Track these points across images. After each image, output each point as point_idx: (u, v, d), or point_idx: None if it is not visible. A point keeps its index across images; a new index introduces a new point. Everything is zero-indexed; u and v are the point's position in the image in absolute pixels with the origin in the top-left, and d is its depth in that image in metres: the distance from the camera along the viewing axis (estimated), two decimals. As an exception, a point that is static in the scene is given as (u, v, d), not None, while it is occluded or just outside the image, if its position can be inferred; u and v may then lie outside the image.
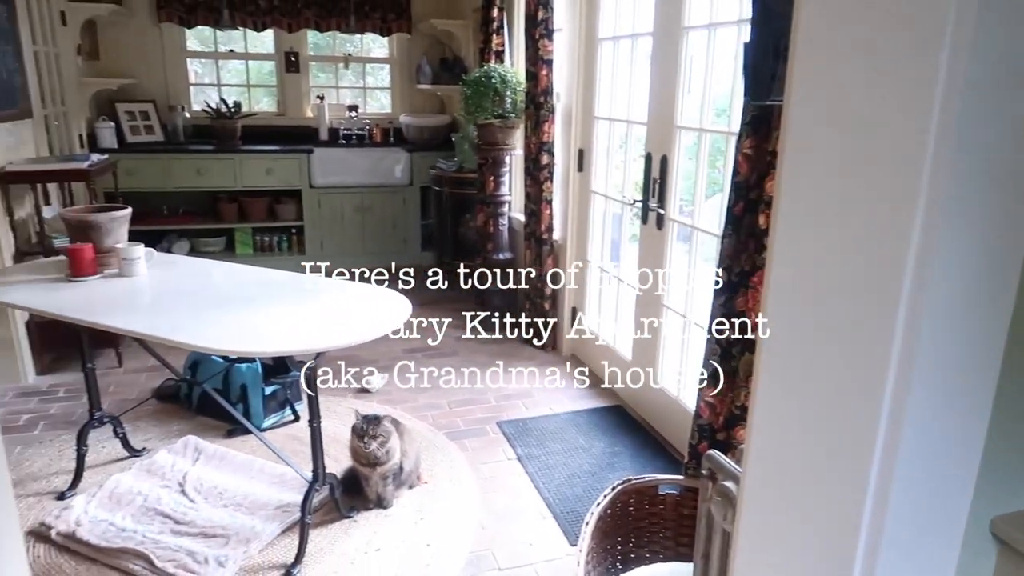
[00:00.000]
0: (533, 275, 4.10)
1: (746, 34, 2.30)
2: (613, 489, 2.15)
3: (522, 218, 4.22)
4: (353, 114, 5.90)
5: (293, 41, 5.81)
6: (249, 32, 5.70)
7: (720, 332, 2.06)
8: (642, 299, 3.23)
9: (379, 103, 6.36)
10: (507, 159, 4.37)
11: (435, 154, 5.56)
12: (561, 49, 3.81)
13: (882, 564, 0.80)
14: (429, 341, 4.30)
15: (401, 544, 2.39)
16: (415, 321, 4.58)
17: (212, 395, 2.62)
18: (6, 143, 3.57)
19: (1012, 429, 0.81)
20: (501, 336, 4.39)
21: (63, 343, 3.69)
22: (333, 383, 3.68)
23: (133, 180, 5.12)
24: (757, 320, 1.92)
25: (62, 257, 2.56)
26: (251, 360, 3.16)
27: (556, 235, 4.03)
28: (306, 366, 2.23)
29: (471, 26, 5.35)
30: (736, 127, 2.40)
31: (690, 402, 2.91)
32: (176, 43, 5.58)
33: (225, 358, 3.18)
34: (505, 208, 4.47)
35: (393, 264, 5.88)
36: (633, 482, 2.19)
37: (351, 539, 2.41)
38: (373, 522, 2.50)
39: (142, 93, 5.49)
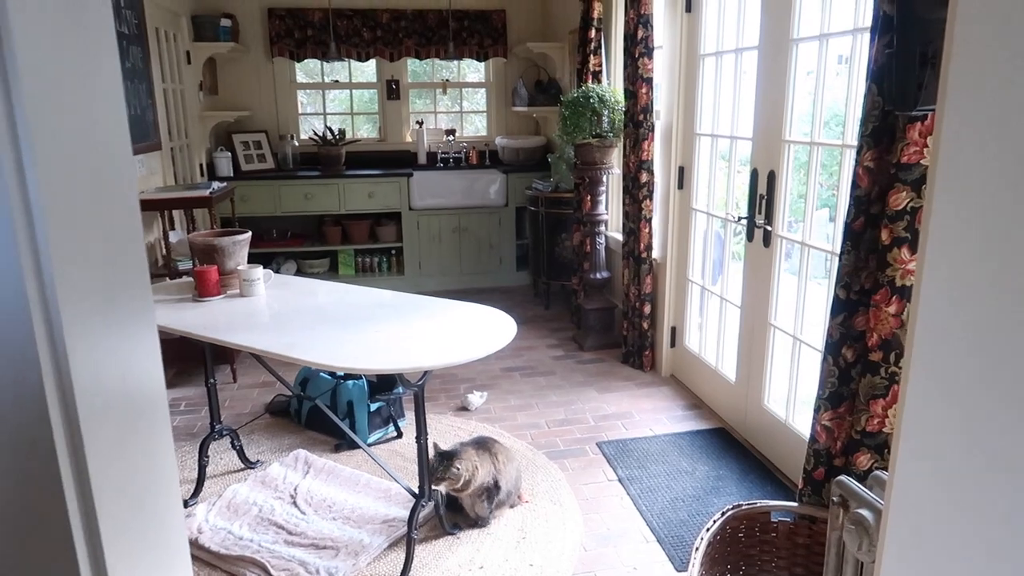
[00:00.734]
0: (631, 294, 4.05)
1: (864, 43, 2.21)
2: (723, 514, 2.07)
3: (619, 237, 4.19)
4: (450, 138, 6.05)
5: (394, 69, 6.04)
6: (353, 62, 5.97)
7: (838, 352, 1.96)
8: (747, 318, 3.13)
9: (475, 126, 6.50)
10: (604, 178, 4.35)
11: (530, 175, 5.61)
12: (661, 67, 3.78)
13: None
14: (526, 360, 4.31)
15: (504, 563, 2.39)
16: (512, 340, 4.62)
17: (324, 410, 2.72)
18: (139, 173, 3.86)
19: None
20: (599, 356, 4.35)
21: (184, 359, 3.92)
22: (433, 401, 3.75)
23: (246, 206, 5.43)
24: (878, 340, 1.82)
25: (187, 279, 2.74)
26: (357, 377, 3.26)
27: (655, 254, 3.98)
28: (414, 383, 2.28)
29: (567, 48, 5.39)
30: (851, 139, 2.31)
31: (801, 426, 2.79)
32: (286, 76, 5.91)
33: (333, 375, 3.30)
34: (602, 227, 4.45)
35: (489, 284, 5.95)
36: (744, 507, 2.10)
37: (455, 555, 2.43)
38: (476, 540, 2.51)
39: (256, 124, 5.84)
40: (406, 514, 2.44)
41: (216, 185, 4.07)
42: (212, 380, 2.82)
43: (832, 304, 1.97)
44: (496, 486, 2.53)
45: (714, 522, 2.04)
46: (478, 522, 2.54)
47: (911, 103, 1.12)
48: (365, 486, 2.84)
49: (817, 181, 2.64)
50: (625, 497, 2.80)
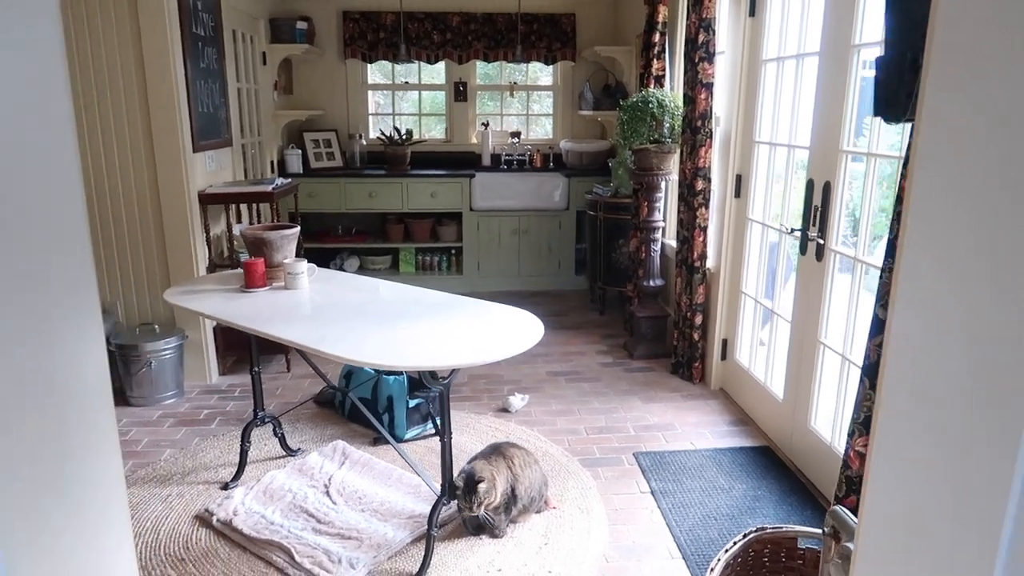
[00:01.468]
0: (683, 303, 3.95)
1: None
2: (745, 536, 1.99)
3: (675, 244, 4.10)
4: (515, 140, 6.07)
5: (462, 72, 6.11)
6: (423, 64, 6.07)
7: (876, 375, 1.86)
8: (797, 334, 3.00)
9: (542, 129, 6.50)
10: (662, 184, 4.27)
11: (593, 179, 5.56)
12: (721, 72, 3.68)
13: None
14: (574, 365, 4.27)
15: (523, 567, 2.37)
16: (561, 344, 4.59)
17: (357, 404, 2.77)
18: (208, 168, 4.04)
19: None
20: (648, 365, 4.27)
21: (243, 347, 4.08)
22: (475, 400, 3.77)
23: (314, 202, 5.60)
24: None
25: (240, 270, 2.84)
26: (399, 373, 3.31)
27: (709, 263, 3.87)
28: (441, 382, 2.29)
29: (634, 52, 5.32)
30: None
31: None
32: (358, 77, 6.06)
33: (375, 370, 3.36)
34: (658, 234, 4.36)
35: (546, 287, 5.94)
36: (769, 531, 2.02)
37: (475, 556, 2.43)
38: (498, 542, 2.51)
39: (326, 123, 6.02)
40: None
41: (279, 181, 4.22)
42: (256, 368, 2.92)
43: (871, 323, 1.87)
44: (513, 496, 2.51)
45: (734, 543, 1.96)
46: (494, 532, 2.53)
47: (900, 112, 1.04)
48: (397, 481, 2.88)
49: (873, 194, 2.51)
50: (656, 510, 2.73)
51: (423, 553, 2.35)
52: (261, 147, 5.15)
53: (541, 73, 6.36)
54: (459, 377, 4.05)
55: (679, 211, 3.93)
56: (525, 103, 6.43)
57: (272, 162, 5.37)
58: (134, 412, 3.59)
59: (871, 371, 1.86)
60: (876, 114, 1.12)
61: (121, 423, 3.46)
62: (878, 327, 1.83)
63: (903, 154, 1.74)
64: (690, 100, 3.72)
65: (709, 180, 3.75)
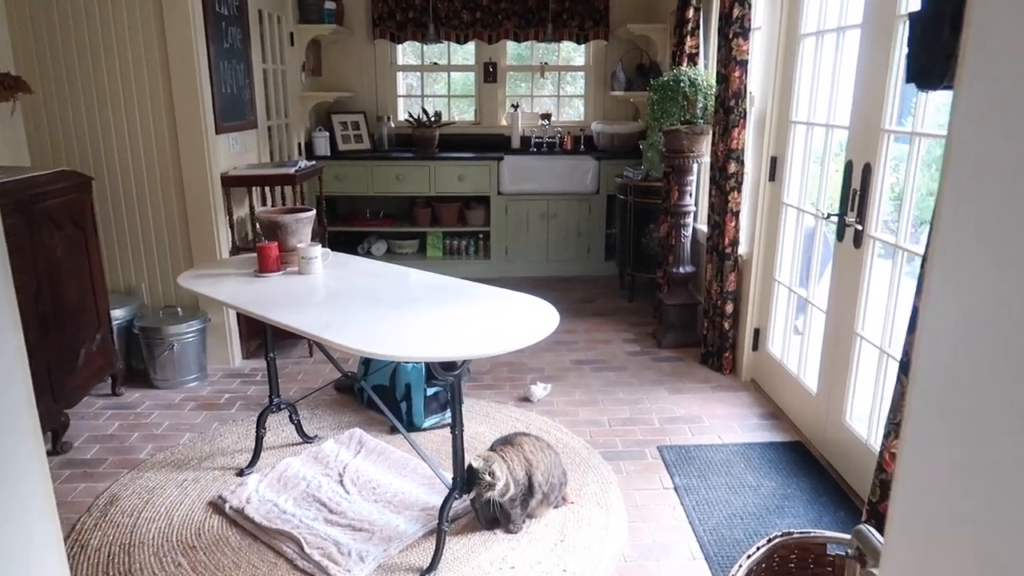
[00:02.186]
0: (714, 291, 3.81)
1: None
2: (769, 541, 1.88)
3: (705, 229, 3.95)
4: (545, 122, 5.93)
5: (492, 52, 5.98)
6: (453, 45, 5.96)
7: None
8: (832, 325, 2.85)
9: (575, 111, 6.35)
10: (693, 167, 4.11)
11: (624, 162, 5.41)
12: (757, 48, 3.50)
13: None
14: (599, 354, 4.16)
15: (536, 565, 2.29)
16: (588, 331, 4.48)
17: (369, 393, 2.70)
18: (232, 150, 4.01)
19: None
20: (676, 354, 4.13)
21: (265, 331, 4.06)
22: (498, 389, 3.68)
23: (341, 185, 5.56)
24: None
25: (255, 254, 2.79)
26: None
27: (741, 249, 3.71)
28: (454, 372, 2.21)
29: (668, 29, 5.13)
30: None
31: (883, 450, 2.51)
32: (387, 58, 5.98)
33: (394, 356, 3.29)
34: (688, 219, 4.21)
35: (575, 272, 5.82)
36: (795, 536, 1.90)
37: (488, 552, 2.35)
38: (512, 538, 2.43)
39: (355, 105, 5.95)
40: (444, 504, 2.38)
41: (302, 164, 4.17)
42: (272, 354, 2.87)
43: (911, 317, 1.72)
44: (530, 487, 2.42)
45: (757, 548, 1.85)
46: (509, 528, 2.45)
47: (937, 77, 0.91)
48: (412, 471, 2.82)
49: (916, 177, 2.34)
50: (678, 507, 2.62)
51: (434, 547, 2.28)
52: (288, 129, 5.11)
53: (573, 53, 6.20)
54: (481, 365, 3.98)
55: (710, 195, 3.78)
56: (556, 84, 6.28)
57: (299, 144, 5.33)
58: (157, 395, 3.60)
59: (910, 368, 1.72)
60: (909, 80, 0.99)
61: (143, 406, 3.47)
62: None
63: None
64: (723, 78, 3.55)
65: (742, 162, 3.58)
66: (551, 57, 6.16)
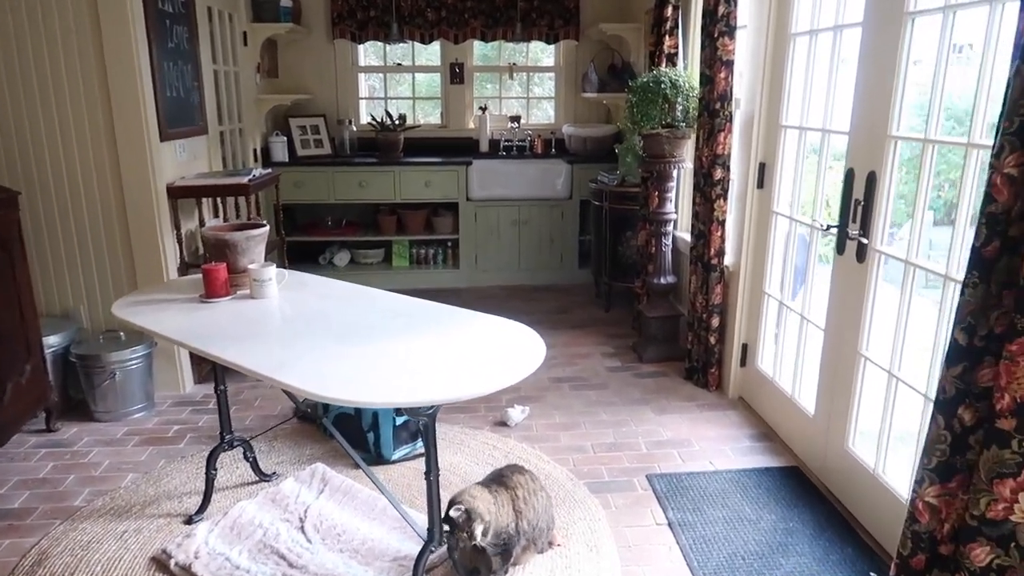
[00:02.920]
0: (698, 304, 3.61)
1: (1007, 14, 1.73)
2: (788, 602, 1.67)
3: (688, 239, 3.75)
4: (515, 125, 5.70)
5: (459, 52, 5.73)
6: (417, 45, 5.69)
7: (953, 412, 1.52)
8: (831, 344, 2.67)
9: (544, 113, 6.13)
10: (674, 173, 3.92)
11: (597, 166, 5.20)
12: (744, 48, 3.31)
13: None
14: (579, 370, 3.94)
15: (524, 624, 2.05)
16: (565, 345, 4.26)
17: (329, 428, 2.44)
18: (179, 158, 3.69)
19: None
20: (659, 369, 3.94)
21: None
22: (471, 412, 3.44)
23: (300, 192, 5.26)
24: (1011, 403, 1.38)
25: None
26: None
27: (727, 260, 3.52)
28: (423, 412, 1.96)
29: (643, 29, 4.94)
30: (982, 138, 1.84)
31: (894, 479, 2.33)
32: (348, 59, 5.68)
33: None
34: (670, 227, 4.01)
35: (548, 281, 5.59)
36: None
37: (469, 609, 2.11)
38: (495, 591, 2.18)
39: (314, 108, 5.65)
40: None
41: (256, 172, 3.87)
42: (222, 387, 2.58)
43: (948, 350, 1.53)
44: (516, 532, 2.18)
45: (776, 612, 1.64)
46: (492, 576, 2.21)
47: None
48: (382, 512, 2.56)
49: (928, 187, 2.16)
50: (674, 547, 2.41)
51: (408, 607, 2.03)
52: (243, 134, 4.79)
53: (542, 53, 5.98)
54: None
55: (694, 202, 3.58)
56: (525, 85, 6.05)
57: (255, 150, 5.01)
58: (97, 429, 3.27)
59: (948, 407, 1.53)
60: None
61: (82, 442, 3.15)
62: (958, 355, 1.49)
63: (994, 141, 1.39)
64: (708, 80, 3.36)
65: (728, 168, 3.39)
66: (519, 58, 5.93)
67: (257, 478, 2.81)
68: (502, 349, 1.98)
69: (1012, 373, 1.37)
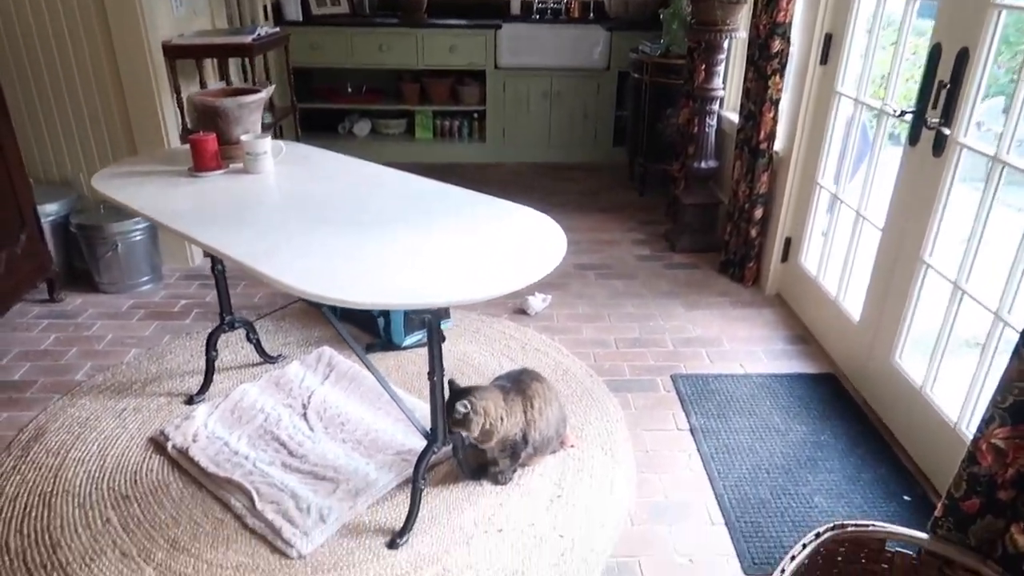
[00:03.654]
0: (741, 192, 3.31)
1: None
2: (818, 536, 1.52)
3: (736, 119, 3.38)
4: (551, -16, 5.17)
5: None
6: None
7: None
8: (889, 246, 2.39)
9: (582, -29, 5.54)
10: (725, 43, 3.49)
11: (639, 34, 4.72)
12: None
13: None
14: (606, 257, 3.72)
15: (529, 528, 1.95)
16: (592, 230, 4.01)
17: (328, 316, 2.26)
18: (176, 13, 3.36)
19: None
20: (692, 260, 3.69)
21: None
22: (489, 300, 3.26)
23: (316, 55, 4.89)
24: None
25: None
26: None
27: (778, 145, 3.18)
28: (425, 314, 1.76)
29: None
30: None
31: (944, 401, 2.12)
32: (368, -100, 5.11)
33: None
34: (715, 105, 3.63)
35: (579, 159, 5.26)
36: (850, 529, 1.54)
37: (472, 510, 2.01)
38: (501, 492, 2.08)
39: (332, -42, 5.15)
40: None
41: (262, 31, 3.53)
42: (220, 266, 2.41)
43: (1042, 268, 1.26)
44: (524, 440, 2.05)
45: (803, 546, 1.49)
46: (496, 478, 2.09)
47: None
48: (388, 403, 2.44)
49: (1035, 66, 1.79)
50: (695, 455, 2.27)
51: (409, 504, 1.93)
52: (252, -13, 4.39)
53: (586, -100, 5.31)
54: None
55: (746, 78, 3.19)
56: (565, -62, 5.42)
57: (265, 7, 4.61)
58: (102, 301, 3.17)
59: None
60: None
61: (86, 314, 3.06)
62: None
63: None
64: (774, -70, 2.88)
65: (789, 40, 2.97)
66: (560, -96, 5.27)
67: (262, 360, 2.71)
68: (518, 243, 1.76)
69: None
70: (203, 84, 3.40)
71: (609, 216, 4.30)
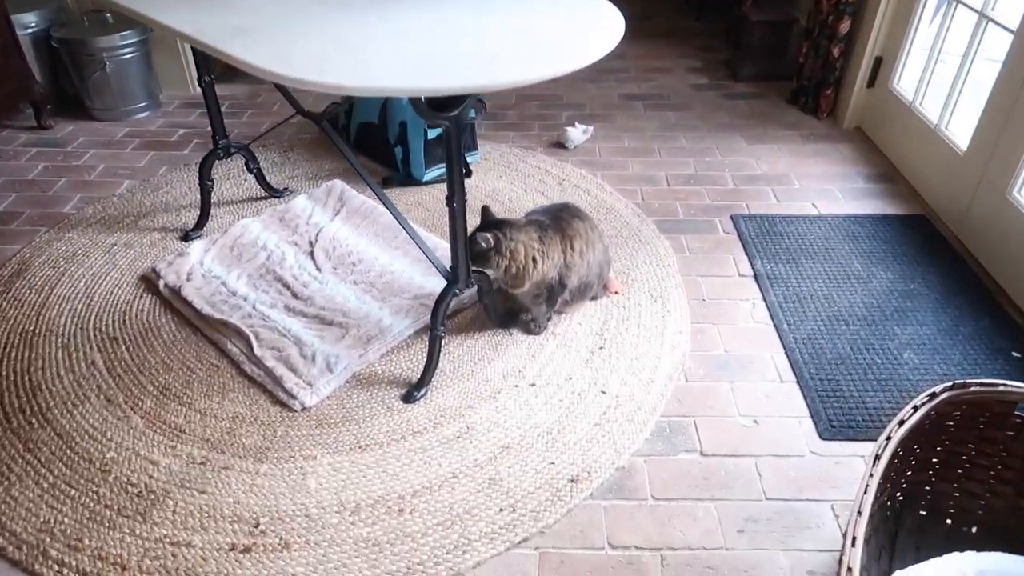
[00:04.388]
0: (825, 4, 2.77)
1: None
2: (933, 396, 1.21)
3: (825, -90, 2.77)
4: None
5: None
6: None
7: None
8: (1020, 57, 1.91)
9: None
10: None
11: None
12: None
13: None
14: (656, 86, 3.25)
15: (565, 383, 1.69)
16: (642, 57, 3.51)
17: (332, 136, 1.92)
18: None
19: None
20: (757, 89, 3.21)
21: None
22: (525, 131, 2.87)
23: None
24: None
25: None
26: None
27: (878, -62, 2.60)
28: (450, 113, 1.40)
29: None
30: None
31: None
32: None
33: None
34: None
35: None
36: (973, 388, 1.22)
37: (500, 361, 1.75)
38: (534, 343, 1.81)
39: None
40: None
41: None
42: (207, 77, 2.05)
43: None
44: (561, 285, 1.74)
45: (915, 408, 1.19)
46: (528, 327, 1.81)
47: None
48: (405, 242, 2.14)
49: None
50: (760, 304, 1.95)
51: (427, 355, 1.68)
52: None
53: None
54: (503, 98, 3.12)
55: None
56: None
57: None
58: (94, 128, 2.86)
59: None
60: None
61: (77, 143, 2.76)
62: None
63: None
64: None
65: None
66: None
67: (266, 193, 2.40)
68: (562, 20, 1.35)
69: None
70: None
71: (661, 41, 3.77)
